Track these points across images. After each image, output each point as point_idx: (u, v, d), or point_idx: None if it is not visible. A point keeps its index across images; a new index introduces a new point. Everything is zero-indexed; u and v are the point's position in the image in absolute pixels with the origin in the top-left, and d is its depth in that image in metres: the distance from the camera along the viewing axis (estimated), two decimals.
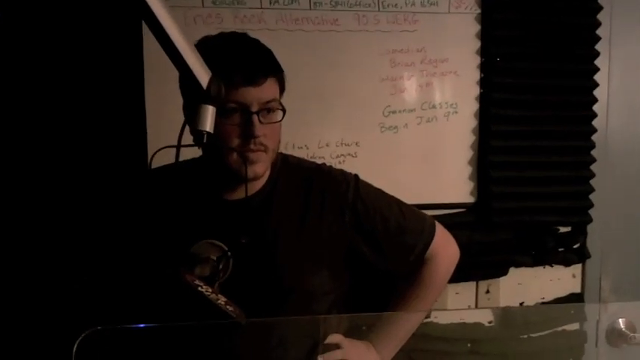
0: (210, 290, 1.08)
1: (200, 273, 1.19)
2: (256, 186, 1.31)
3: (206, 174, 1.33)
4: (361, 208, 1.36)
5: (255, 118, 1.20)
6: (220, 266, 1.21)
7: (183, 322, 1.13)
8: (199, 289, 1.07)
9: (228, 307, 1.08)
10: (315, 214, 1.33)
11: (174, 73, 1.08)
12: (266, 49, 1.27)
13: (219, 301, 1.08)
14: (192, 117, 1.08)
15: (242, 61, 1.21)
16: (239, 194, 1.28)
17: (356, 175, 1.41)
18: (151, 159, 1.15)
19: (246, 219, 1.28)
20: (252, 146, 1.21)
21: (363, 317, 1.50)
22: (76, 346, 1.02)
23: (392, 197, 1.44)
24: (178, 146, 1.08)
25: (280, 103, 1.27)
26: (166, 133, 1.15)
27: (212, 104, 1.07)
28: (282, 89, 1.29)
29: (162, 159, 1.20)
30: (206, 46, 1.21)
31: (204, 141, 1.06)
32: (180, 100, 1.27)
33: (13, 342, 1.78)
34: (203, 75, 1.07)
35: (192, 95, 1.09)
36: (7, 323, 1.78)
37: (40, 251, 1.83)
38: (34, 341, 1.72)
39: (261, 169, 1.25)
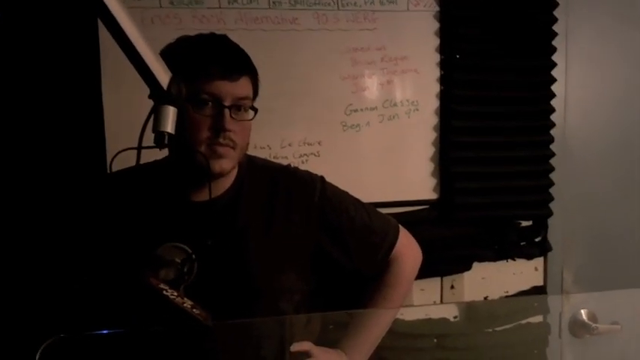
0: (175, 294, 1.11)
1: (165, 277, 1.21)
2: (223, 186, 1.36)
3: (171, 174, 1.37)
4: (327, 208, 1.42)
5: (227, 111, 1.25)
6: (185, 269, 1.24)
7: (149, 327, 1.16)
8: (164, 292, 1.10)
9: (194, 310, 1.11)
10: (282, 214, 1.38)
11: (132, 75, 1.09)
12: (243, 51, 1.33)
13: (184, 305, 1.10)
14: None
15: (221, 56, 1.27)
16: (205, 195, 1.30)
17: (322, 177, 1.47)
18: (111, 162, 1.15)
19: (212, 220, 1.31)
20: (221, 140, 1.25)
21: (332, 316, 1.55)
22: (38, 355, 1.04)
23: (357, 199, 1.51)
24: (139, 148, 1.09)
25: (252, 104, 1.32)
26: (126, 135, 1.18)
27: (173, 105, 1.09)
28: (255, 92, 1.35)
29: (123, 162, 1.21)
30: (186, 43, 1.29)
31: (166, 142, 1.08)
32: (137, 103, 1.28)
33: None
34: (163, 76, 1.09)
35: (152, 96, 1.11)
36: None
37: None
38: None
39: (228, 165, 1.29)
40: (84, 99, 1.90)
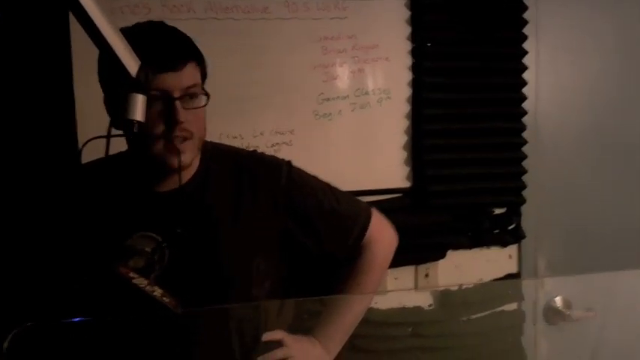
0: (145, 282, 1.14)
1: (135, 265, 1.23)
2: (186, 176, 1.36)
3: (134, 167, 1.37)
4: (294, 193, 1.43)
5: (177, 103, 1.24)
6: (155, 258, 1.26)
7: (118, 315, 1.18)
8: (133, 281, 1.12)
9: (164, 298, 1.14)
10: (249, 200, 1.39)
11: None
12: (184, 35, 1.32)
13: (154, 293, 1.13)
14: (118, 108, 1.11)
15: (160, 48, 1.24)
16: (169, 185, 1.33)
17: (289, 161, 1.48)
18: (80, 150, 1.17)
19: (179, 210, 1.33)
20: (176, 133, 1.25)
21: (304, 303, 1.58)
22: (7, 343, 1.04)
23: (325, 183, 1.52)
24: (108, 137, 1.12)
25: (203, 88, 1.31)
26: (98, 126, 1.20)
27: (141, 92, 1.11)
28: (203, 75, 1.33)
29: (93, 153, 1.24)
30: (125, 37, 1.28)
31: (135, 130, 1.10)
32: None
33: None
34: (132, 63, 1.11)
35: (120, 85, 1.12)
36: None
37: None
38: None
39: (187, 157, 1.29)
40: (54, 89, 1.90)
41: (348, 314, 1.55)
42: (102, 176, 1.38)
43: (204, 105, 1.31)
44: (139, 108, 1.11)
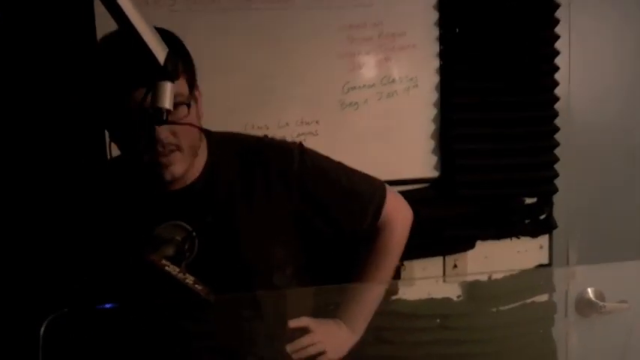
0: (177, 270, 1.15)
1: (165, 254, 1.24)
2: (196, 170, 1.37)
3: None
4: (308, 176, 1.42)
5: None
6: (186, 247, 1.28)
7: (152, 302, 1.20)
8: (166, 269, 1.14)
9: (196, 285, 1.15)
10: (262, 188, 1.39)
11: None
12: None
13: (187, 281, 1.14)
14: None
15: (136, 63, 1.14)
16: (178, 184, 1.34)
17: (300, 143, 1.47)
18: (109, 146, 1.21)
19: (191, 206, 1.35)
20: (160, 150, 1.24)
21: (328, 290, 1.58)
22: (43, 329, 1.08)
23: (339, 163, 1.51)
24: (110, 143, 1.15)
25: (187, 96, 1.27)
26: None
27: (170, 81, 1.11)
28: (190, 84, 1.29)
29: None
30: (105, 52, 1.26)
31: (165, 118, 1.10)
32: None
33: None
34: (160, 51, 1.11)
35: (149, 73, 1.11)
36: None
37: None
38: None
39: (179, 169, 1.28)
40: (82, 85, 1.92)
41: (370, 295, 1.57)
42: (123, 172, 1.39)
43: (187, 114, 1.26)
44: (167, 96, 1.11)
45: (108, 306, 1.20)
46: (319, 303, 1.55)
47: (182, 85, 1.25)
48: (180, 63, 1.22)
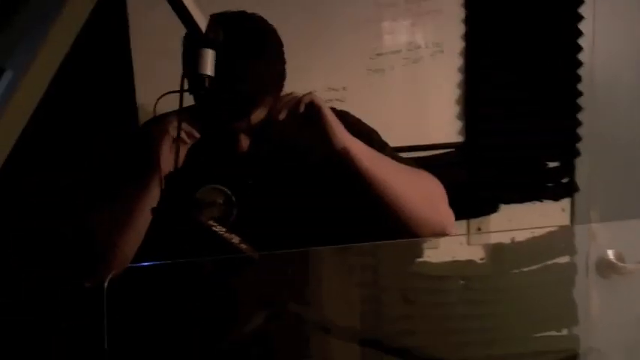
0: (224, 230, 1.22)
1: (212, 215, 1.32)
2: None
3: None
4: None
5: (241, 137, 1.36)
6: (228, 208, 1.36)
7: (204, 259, 1.28)
8: (214, 229, 1.21)
9: (242, 244, 1.23)
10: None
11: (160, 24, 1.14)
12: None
13: (233, 240, 1.21)
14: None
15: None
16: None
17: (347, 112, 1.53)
18: (155, 105, 1.26)
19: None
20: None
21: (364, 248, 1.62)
22: (106, 284, 1.17)
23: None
24: (182, 91, 1.18)
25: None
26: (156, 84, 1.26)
27: (212, 48, 1.16)
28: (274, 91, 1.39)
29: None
30: None
31: (207, 85, 1.15)
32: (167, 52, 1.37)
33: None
34: (201, 18, 1.15)
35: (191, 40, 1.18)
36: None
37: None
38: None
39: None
40: (114, 51, 1.98)
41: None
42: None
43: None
44: (209, 63, 1.15)
45: (165, 263, 1.27)
46: (355, 262, 1.60)
47: (266, 104, 1.35)
48: (268, 85, 1.34)
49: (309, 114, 1.33)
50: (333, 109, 1.41)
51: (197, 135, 1.35)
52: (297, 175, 1.46)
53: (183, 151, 1.34)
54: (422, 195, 1.43)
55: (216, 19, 1.19)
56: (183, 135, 1.31)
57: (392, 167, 1.42)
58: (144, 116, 1.97)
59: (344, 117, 1.44)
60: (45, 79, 1.31)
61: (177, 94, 1.19)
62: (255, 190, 1.42)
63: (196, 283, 1.41)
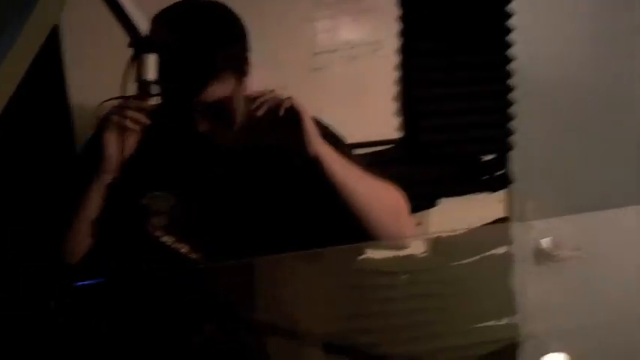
0: (172, 240, 1.19)
1: (158, 224, 1.29)
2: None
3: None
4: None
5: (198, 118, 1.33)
6: (175, 215, 1.32)
7: (148, 272, 1.24)
8: (161, 239, 1.18)
9: (191, 254, 1.20)
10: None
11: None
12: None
13: (182, 250, 1.19)
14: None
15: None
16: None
17: None
18: (97, 109, 1.24)
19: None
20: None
21: (325, 253, 1.62)
22: (52, 304, 1.12)
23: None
24: (123, 98, 1.18)
25: (233, 89, 1.37)
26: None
27: (154, 52, 1.14)
28: (239, 70, 1.41)
29: None
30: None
31: (150, 91, 1.15)
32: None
33: None
34: (142, 22, 1.14)
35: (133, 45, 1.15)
36: None
37: None
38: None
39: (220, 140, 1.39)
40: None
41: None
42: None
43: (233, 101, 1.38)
44: (152, 68, 1.14)
45: (104, 279, 1.23)
46: (315, 267, 1.60)
47: (227, 85, 1.34)
48: (230, 56, 1.34)
49: (289, 117, 1.36)
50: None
51: (145, 120, 1.29)
52: (266, 173, 1.45)
53: (132, 140, 1.30)
54: (387, 206, 1.52)
55: (159, 19, 1.17)
56: (129, 123, 1.27)
57: (361, 177, 1.47)
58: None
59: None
60: None
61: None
62: (220, 182, 1.40)
63: (144, 296, 1.37)
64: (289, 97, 1.38)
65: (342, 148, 1.51)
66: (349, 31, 2.13)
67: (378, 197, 1.50)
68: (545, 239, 2.41)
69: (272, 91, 1.40)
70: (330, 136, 1.51)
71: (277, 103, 1.36)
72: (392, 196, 1.57)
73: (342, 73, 2.13)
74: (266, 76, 2.03)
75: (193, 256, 1.21)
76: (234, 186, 1.43)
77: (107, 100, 1.21)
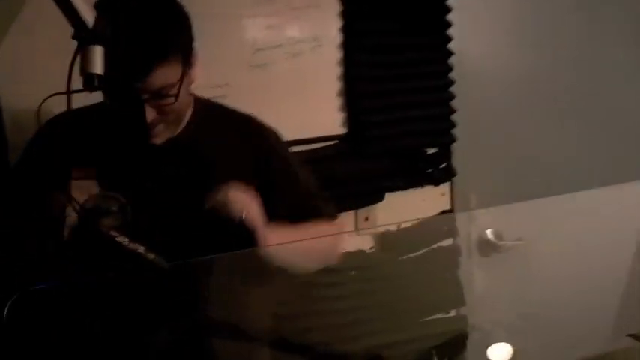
0: (127, 240, 1.16)
1: (111, 224, 1.24)
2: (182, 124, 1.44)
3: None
4: (275, 156, 1.54)
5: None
6: (126, 216, 1.28)
7: (109, 274, 1.21)
8: (117, 239, 1.14)
9: (148, 254, 1.17)
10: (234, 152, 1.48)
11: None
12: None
13: (138, 250, 1.15)
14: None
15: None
16: (162, 137, 1.40)
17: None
18: (39, 108, 1.19)
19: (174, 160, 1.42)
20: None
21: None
22: (6, 310, 1.08)
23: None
24: (69, 92, 1.10)
25: (179, 78, 1.34)
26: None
27: (100, 44, 1.10)
28: (185, 57, 1.38)
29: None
30: None
31: (96, 84, 1.10)
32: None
33: None
34: (88, 14, 1.09)
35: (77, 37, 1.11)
36: None
37: None
38: None
39: (162, 139, 1.39)
40: None
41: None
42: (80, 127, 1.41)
43: (178, 93, 1.34)
44: (98, 61, 1.10)
45: (68, 283, 1.20)
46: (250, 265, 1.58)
47: (174, 70, 1.31)
48: (177, 41, 1.32)
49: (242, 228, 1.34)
50: (237, 111, 1.55)
51: None
52: (213, 173, 1.44)
53: None
54: (317, 258, 1.64)
55: (104, 5, 1.14)
56: None
57: (297, 253, 1.50)
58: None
59: (247, 123, 1.55)
60: None
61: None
62: (168, 182, 1.40)
63: (103, 298, 1.34)
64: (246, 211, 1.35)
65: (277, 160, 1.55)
66: (291, 28, 2.12)
67: (311, 260, 1.61)
68: (488, 230, 2.47)
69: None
70: (277, 157, 1.56)
71: (230, 210, 1.33)
72: (325, 248, 1.64)
73: (284, 69, 2.12)
74: (208, 73, 2.02)
75: (151, 256, 1.18)
76: (182, 186, 1.41)
77: (52, 95, 1.16)
